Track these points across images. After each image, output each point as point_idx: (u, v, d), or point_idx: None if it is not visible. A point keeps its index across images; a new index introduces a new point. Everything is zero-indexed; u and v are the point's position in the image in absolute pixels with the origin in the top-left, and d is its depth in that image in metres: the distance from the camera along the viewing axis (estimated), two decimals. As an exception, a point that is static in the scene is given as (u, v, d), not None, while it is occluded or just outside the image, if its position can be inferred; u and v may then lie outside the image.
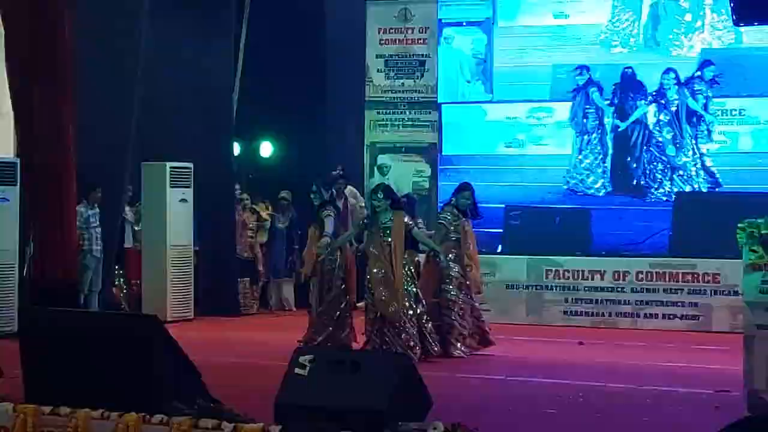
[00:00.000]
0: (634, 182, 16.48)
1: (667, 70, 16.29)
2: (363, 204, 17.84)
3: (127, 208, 16.89)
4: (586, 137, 16.64)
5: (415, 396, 7.59)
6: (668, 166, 16.34)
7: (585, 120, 16.61)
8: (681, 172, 16.29)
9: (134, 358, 7.84)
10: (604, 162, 16.60)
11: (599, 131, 16.61)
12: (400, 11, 17.58)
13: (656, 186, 16.36)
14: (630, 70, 16.45)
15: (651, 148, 16.42)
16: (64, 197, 14.81)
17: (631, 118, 16.48)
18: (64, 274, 14.76)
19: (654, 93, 16.38)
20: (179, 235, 16.57)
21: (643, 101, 16.43)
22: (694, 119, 16.21)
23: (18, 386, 8.40)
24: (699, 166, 16.20)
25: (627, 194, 16.48)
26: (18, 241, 14.72)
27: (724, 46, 16.24)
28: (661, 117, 16.35)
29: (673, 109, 16.26)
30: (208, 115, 17.06)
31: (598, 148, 16.60)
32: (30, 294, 14.58)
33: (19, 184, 14.65)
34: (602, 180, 16.58)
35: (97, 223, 15.79)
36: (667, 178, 16.34)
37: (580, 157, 16.66)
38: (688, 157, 16.23)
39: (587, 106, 16.60)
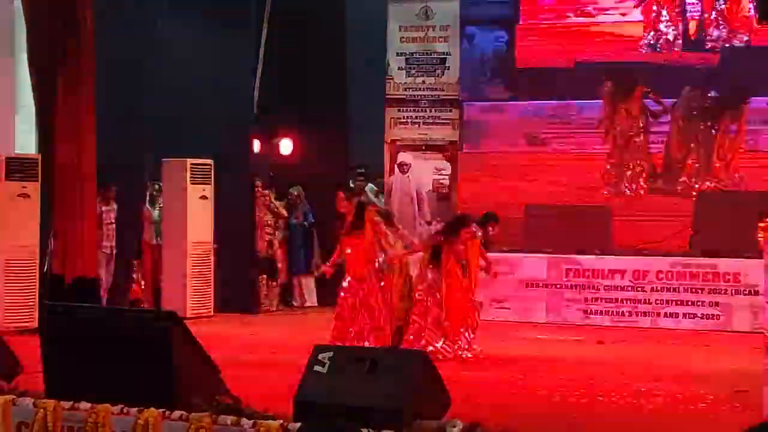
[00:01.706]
0: (660, 181, 16.41)
1: (692, 69, 16.23)
2: (382, 201, 17.88)
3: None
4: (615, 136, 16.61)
5: (433, 394, 7.58)
6: (693, 164, 16.30)
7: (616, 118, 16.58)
8: (704, 171, 16.23)
9: (154, 354, 7.85)
10: (629, 161, 16.55)
11: (630, 130, 16.58)
12: (421, 9, 17.56)
13: (680, 184, 16.29)
14: (657, 68, 16.40)
15: (673, 147, 16.39)
16: (84, 193, 14.91)
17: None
18: (84, 270, 14.84)
19: (677, 91, 16.32)
20: (199, 232, 16.60)
21: (665, 99, 16.36)
22: (719, 118, 16.14)
23: (38, 381, 8.43)
24: (722, 164, 16.13)
25: (652, 193, 16.41)
26: (38, 236, 14.76)
27: (749, 43, 16.15)
28: (687, 115, 16.29)
29: (701, 106, 16.21)
30: (228, 112, 17.08)
31: (627, 146, 16.57)
32: (50, 290, 14.65)
33: (39, 180, 14.70)
34: (628, 179, 16.54)
35: (111, 220, 15.82)
36: (692, 177, 16.28)
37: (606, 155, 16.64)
38: (712, 155, 16.17)
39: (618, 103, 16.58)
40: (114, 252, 15.94)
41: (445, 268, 12.86)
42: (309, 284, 18.39)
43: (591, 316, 16.14)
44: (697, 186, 16.23)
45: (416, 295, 12.95)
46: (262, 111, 18.25)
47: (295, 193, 18.32)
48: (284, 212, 18.05)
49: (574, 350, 13.70)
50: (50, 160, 14.83)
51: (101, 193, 15.63)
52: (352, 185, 18.62)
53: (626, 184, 16.53)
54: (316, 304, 18.18)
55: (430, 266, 12.96)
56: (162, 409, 7.48)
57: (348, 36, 18.82)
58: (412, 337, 12.73)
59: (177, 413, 7.45)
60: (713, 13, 16.26)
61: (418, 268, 13.18)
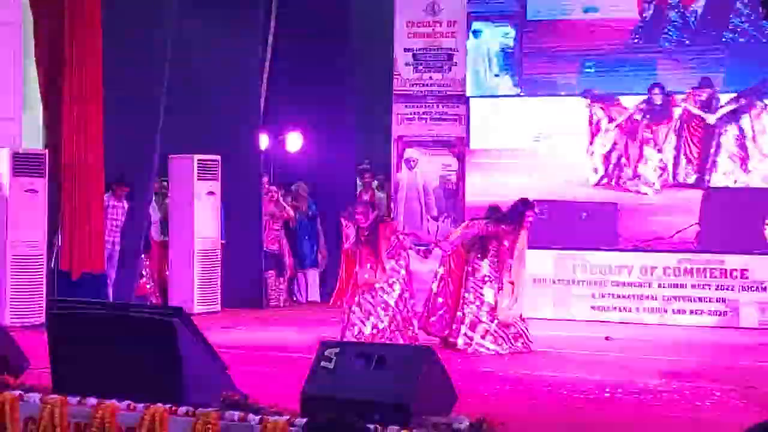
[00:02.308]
0: (667, 177, 16.36)
1: (701, 63, 16.19)
2: (384, 197, 17.90)
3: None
4: (618, 131, 16.56)
5: (440, 390, 7.58)
6: (700, 160, 16.24)
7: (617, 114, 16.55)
8: (712, 167, 16.18)
9: (161, 350, 7.85)
10: (637, 156, 16.52)
11: (637, 126, 16.54)
12: (428, 5, 17.53)
13: (688, 180, 16.25)
14: (665, 63, 16.36)
15: (682, 143, 16.34)
16: (91, 189, 14.90)
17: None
18: (92, 266, 14.85)
19: (687, 89, 16.27)
20: (206, 228, 16.61)
21: (674, 95, 16.31)
22: (723, 115, 16.10)
23: (45, 377, 8.44)
24: (731, 161, 16.09)
25: (659, 188, 16.36)
26: (46, 232, 14.76)
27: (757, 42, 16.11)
28: (694, 113, 16.24)
29: (709, 102, 16.16)
30: (235, 108, 17.09)
31: (634, 142, 16.52)
32: (57, 285, 14.66)
33: (47, 175, 14.70)
34: (635, 175, 16.50)
35: (116, 216, 15.77)
36: (700, 173, 16.22)
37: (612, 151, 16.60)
38: (720, 152, 16.13)
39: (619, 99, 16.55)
40: (116, 248, 15.88)
41: (512, 255, 13.17)
42: (313, 278, 18.40)
43: (598, 311, 16.13)
44: (705, 182, 16.18)
45: (469, 285, 13.17)
46: (269, 107, 18.25)
47: (297, 190, 18.33)
48: (291, 212, 18.03)
49: (580, 346, 13.69)
50: (58, 156, 14.84)
51: (113, 189, 15.60)
52: (360, 183, 18.65)
53: (633, 180, 16.50)
54: (319, 299, 18.18)
55: (478, 257, 13.12)
56: (168, 405, 7.48)
57: (355, 31, 18.81)
58: (469, 330, 12.95)
59: (183, 409, 7.45)
60: (723, 9, 16.19)
61: (452, 262, 13.37)
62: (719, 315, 15.63)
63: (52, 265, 15.02)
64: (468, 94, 17.30)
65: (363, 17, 18.64)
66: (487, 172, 16.88)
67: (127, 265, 15.89)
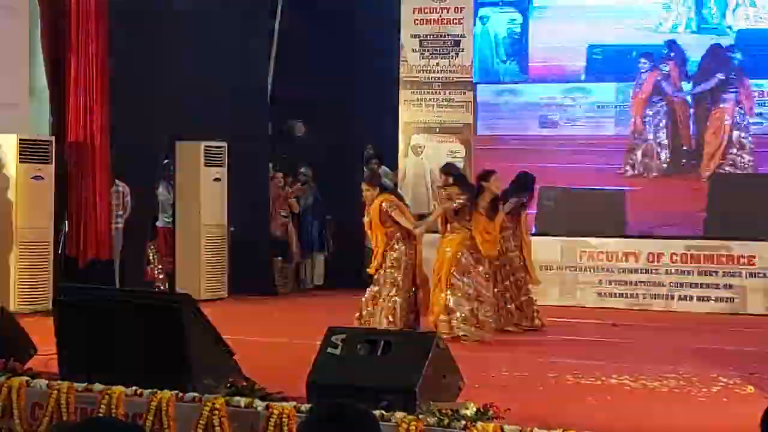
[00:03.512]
0: (674, 164, 16.36)
1: (710, 49, 16.17)
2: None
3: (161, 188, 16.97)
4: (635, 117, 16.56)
5: (447, 376, 7.59)
6: (707, 146, 16.23)
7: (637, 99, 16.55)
8: (719, 153, 16.16)
9: (168, 336, 7.87)
10: (643, 143, 16.50)
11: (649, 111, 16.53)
12: (435, -9, 17.50)
13: (695, 167, 16.24)
14: (671, 50, 16.34)
15: (689, 128, 16.34)
16: (97, 175, 14.92)
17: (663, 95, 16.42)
18: (98, 253, 14.87)
19: (692, 72, 16.26)
20: (213, 215, 16.60)
21: (679, 82, 16.31)
22: (733, 100, 16.08)
23: (52, 363, 8.46)
24: (736, 147, 16.08)
25: (666, 175, 16.35)
26: (53, 218, 14.76)
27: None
28: (701, 96, 16.23)
29: (713, 88, 16.14)
30: (243, 95, 17.08)
31: (640, 128, 16.51)
32: (64, 271, 14.67)
33: (54, 162, 14.69)
34: (641, 161, 16.49)
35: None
36: (707, 160, 16.20)
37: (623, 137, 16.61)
38: (726, 138, 16.11)
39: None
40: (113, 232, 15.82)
41: (523, 227, 13.90)
42: (319, 263, 18.40)
43: (605, 298, 16.12)
44: (711, 168, 16.17)
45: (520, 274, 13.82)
46: (277, 93, 18.24)
47: (303, 176, 18.34)
48: (297, 205, 18.02)
49: (587, 333, 13.69)
50: (64, 142, 14.85)
51: None
52: (366, 170, 18.64)
53: (639, 167, 16.48)
54: (323, 283, 18.19)
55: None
56: (175, 391, 7.50)
57: (362, 18, 18.76)
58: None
59: (190, 395, 7.47)
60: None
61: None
62: (726, 301, 15.62)
63: (59, 252, 15.03)
64: (475, 80, 17.28)
65: (370, 3, 18.60)
66: (493, 158, 16.86)
67: (134, 251, 15.90)
